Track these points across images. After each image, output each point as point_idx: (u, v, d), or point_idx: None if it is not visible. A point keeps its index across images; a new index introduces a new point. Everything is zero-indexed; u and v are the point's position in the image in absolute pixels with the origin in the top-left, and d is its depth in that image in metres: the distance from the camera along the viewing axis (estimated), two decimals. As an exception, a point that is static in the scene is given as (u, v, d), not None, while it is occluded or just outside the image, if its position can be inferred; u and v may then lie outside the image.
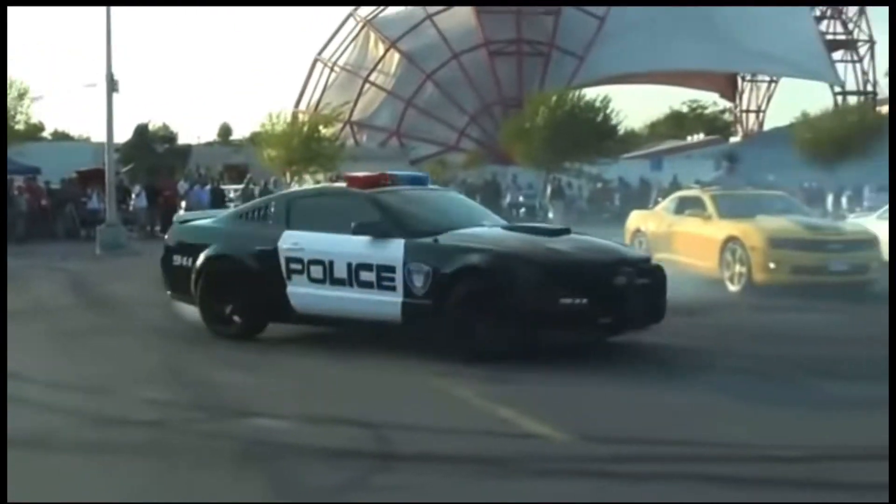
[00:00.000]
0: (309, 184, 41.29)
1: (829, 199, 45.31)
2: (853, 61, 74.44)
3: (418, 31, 63.83)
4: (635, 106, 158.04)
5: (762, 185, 27.45)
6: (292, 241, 10.63)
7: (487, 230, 10.72)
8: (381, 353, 9.89)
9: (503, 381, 8.56)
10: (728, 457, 6.54)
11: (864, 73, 74.41)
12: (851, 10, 75.72)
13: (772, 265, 15.07)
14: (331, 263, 10.32)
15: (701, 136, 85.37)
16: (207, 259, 11.11)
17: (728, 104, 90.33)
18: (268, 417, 7.54)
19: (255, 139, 49.92)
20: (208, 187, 38.31)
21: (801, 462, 6.42)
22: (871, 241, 15.71)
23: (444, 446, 6.75)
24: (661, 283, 10.48)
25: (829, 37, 72.83)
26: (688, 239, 16.79)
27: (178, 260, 11.50)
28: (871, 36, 75.01)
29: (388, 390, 8.56)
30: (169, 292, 11.91)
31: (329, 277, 10.36)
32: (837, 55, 72.71)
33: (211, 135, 72.02)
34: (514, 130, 46.89)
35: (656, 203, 24.93)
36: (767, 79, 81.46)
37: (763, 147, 55.82)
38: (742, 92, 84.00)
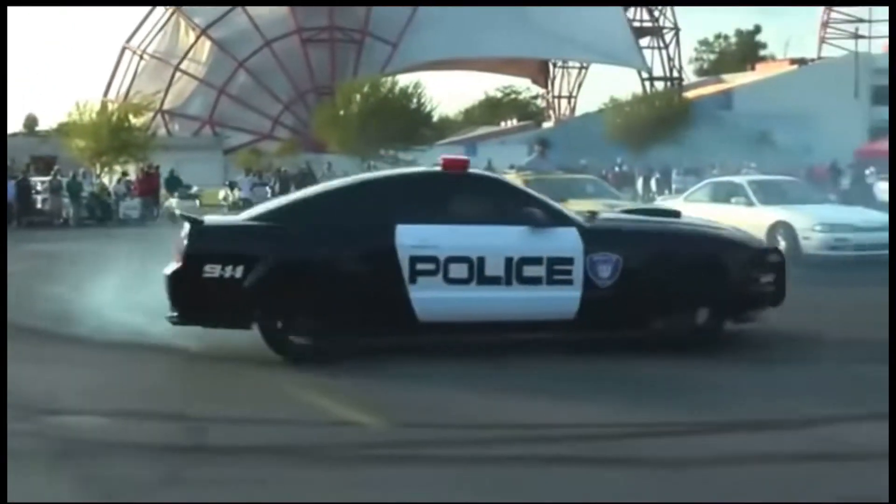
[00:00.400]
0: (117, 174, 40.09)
1: (640, 181, 46.59)
2: (659, 48, 76.82)
3: (229, 18, 62.87)
4: (450, 93, 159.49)
5: (574, 169, 28.00)
6: (416, 236, 8.96)
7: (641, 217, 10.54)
8: (201, 346, 9.41)
9: (321, 371, 8.32)
10: (540, 437, 6.53)
11: (670, 59, 76.97)
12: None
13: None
14: (480, 260, 8.87)
15: (515, 122, 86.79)
16: (280, 267, 8.86)
17: (541, 90, 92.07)
18: (78, 414, 7.24)
19: (62, 129, 48.22)
20: (12, 182, 36.47)
21: (612, 439, 6.48)
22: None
23: (260, 437, 6.60)
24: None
25: (637, 24, 74.89)
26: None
27: (214, 272, 8.73)
28: (675, 23, 77.61)
29: (208, 384, 8.28)
30: (177, 314, 8.94)
31: (477, 276, 8.93)
32: (644, 42, 74.87)
33: (16, 125, 69.18)
34: (327, 118, 46.64)
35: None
36: (578, 65, 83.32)
37: (575, 132, 57.08)
38: (554, 78, 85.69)
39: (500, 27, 63.18)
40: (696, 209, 18.61)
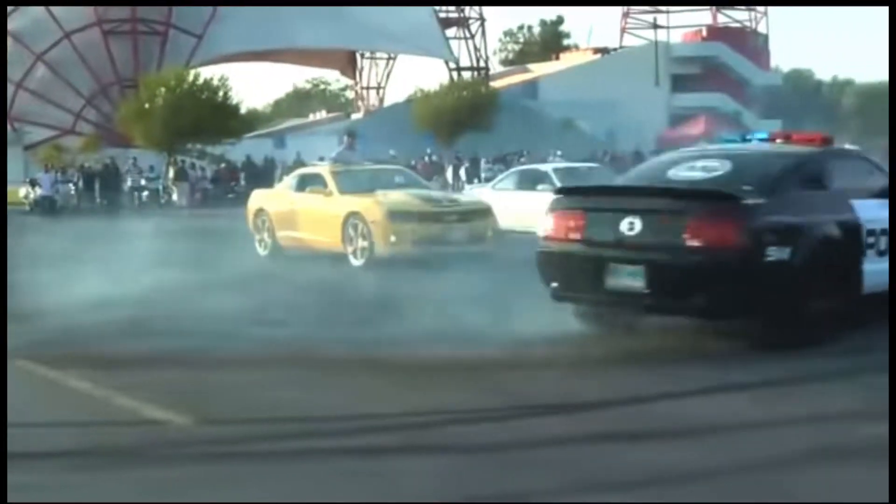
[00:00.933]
0: None
1: (449, 171, 46.97)
2: (466, 38, 77.49)
3: (24, 8, 60.35)
4: (258, 85, 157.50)
5: (383, 159, 28.00)
6: (868, 210, 9.13)
7: None
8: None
9: (119, 370, 8.10)
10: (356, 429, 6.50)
11: (477, 49, 77.71)
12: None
13: (393, 238, 15.27)
14: (884, 231, 9.15)
15: (324, 114, 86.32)
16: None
17: (349, 81, 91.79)
18: None
19: None
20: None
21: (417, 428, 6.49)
22: (485, 211, 16.25)
23: (62, 440, 6.41)
24: None
25: (443, 15, 75.39)
26: (310, 216, 16.72)
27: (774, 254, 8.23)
28: (481, 14, 78.46)
29: (21, 387, 7.85)
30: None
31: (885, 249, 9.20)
32: (451, 32, 75.42)
33: None
34: (132, 112, 45.32)
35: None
36: (386, 56, 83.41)
37: (384, 122, 57.19)
38: (362, 69, 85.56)
39: (308, 18, 62.70)
40: (504, 197, 18.98)
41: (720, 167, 9.07)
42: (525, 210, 18.69)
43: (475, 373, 8.03)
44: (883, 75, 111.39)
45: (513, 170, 22.60)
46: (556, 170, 19.97)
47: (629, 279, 8.56)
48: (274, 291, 13.35)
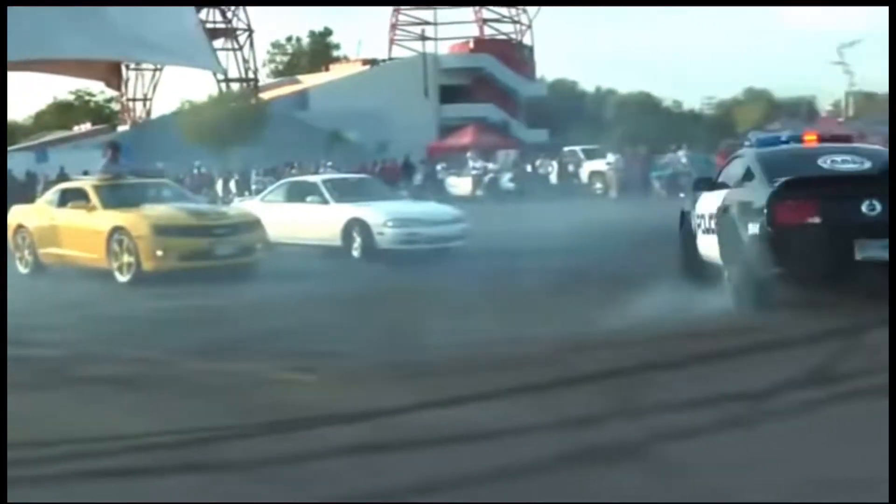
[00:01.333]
0: None
1: (219, 183, 46.37)
2: (234, 49, 76.60)
3: None
4: (18, 96, 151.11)
5: (150, 172, 27.30)
6: None
7: None
8: None
9: None
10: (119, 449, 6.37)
11: (245, 60, 76.91)
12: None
13: (159, 253, 14.99)
14: None
15: (88, 126, 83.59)
16: None
17: (114, 93, 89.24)
18: None
19: None
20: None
21: (179, 447, 6.42)
22: (254, 224, 16.15)
23: None
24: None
25: (210, 25, 74.29)
26: (73, 232, 16.22)
27: None
28: (249, 25, 77.72)
29: None
30: None
31: None
32: (218, 44, 74.40)
33: None
34: None
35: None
36: (152, 67, 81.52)
37: (152, 135, 55.86)
38: (127, 80, 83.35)
39: (67, 26, 60.62)
40: (273, 209, 18.88)
41: (863, 161, 11.00)
42: (295, 222, 18.73)
43: (242, 390, 8.04)
44: (642, 85, 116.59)
45: (281, 182, 22.44)
46: (325, 181, 19.99)
47: (879, 251, 9.98)
48: (34, 311, 12.90)
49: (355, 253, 17.75)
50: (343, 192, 19.20)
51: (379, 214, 17.87)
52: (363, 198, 19.03)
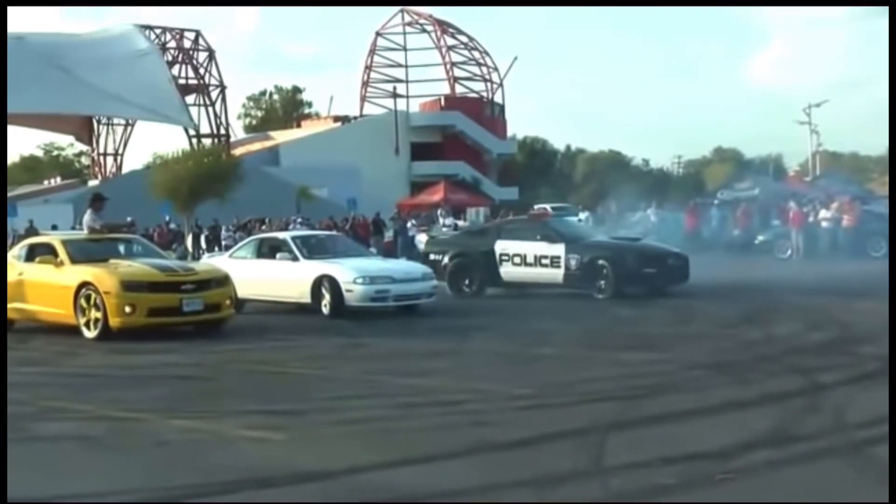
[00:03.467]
0: None
1: (189, 238, 46.23)
2: (206, 105, 76.91)
3: None
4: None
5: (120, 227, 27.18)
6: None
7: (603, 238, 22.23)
8: None
9: None
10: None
11: (217, 116, 77.18)
12: (202, 56, 78.22)
13: (127, 309, 14.93)
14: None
15: (58, 181, 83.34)
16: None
17: (85, 147, 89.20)
18: None
19: None
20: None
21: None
22: (222, 280, 16.13)
23: None
24: (686, 263, 20.93)
25: (182, 81, 74.57)
26: (41, 287, 16.13)
27: None
28: (221, 80, 78.03)
29: None
30: None
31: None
32: (190, 99, 74.66)
33: None
34: None
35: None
36: (124, 122, 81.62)
37: (122, 189, 55.69)
38: (99, 135, 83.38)
39: (36, 80, 60.65)
40: (242, 266, 18.89)
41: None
42: (265, 278, 18.73)
43: (206, 448, 8.04)
44: (609, 143, 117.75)
45: (251, 238, 22.40)
46: (294, 238, 20.01)
47: None
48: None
49: (325, 310, 17.75)
50: (312, 249, 19.24)
51: (347, 271, 17.88)
52: (332, 255, 19.10)
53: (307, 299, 18.11)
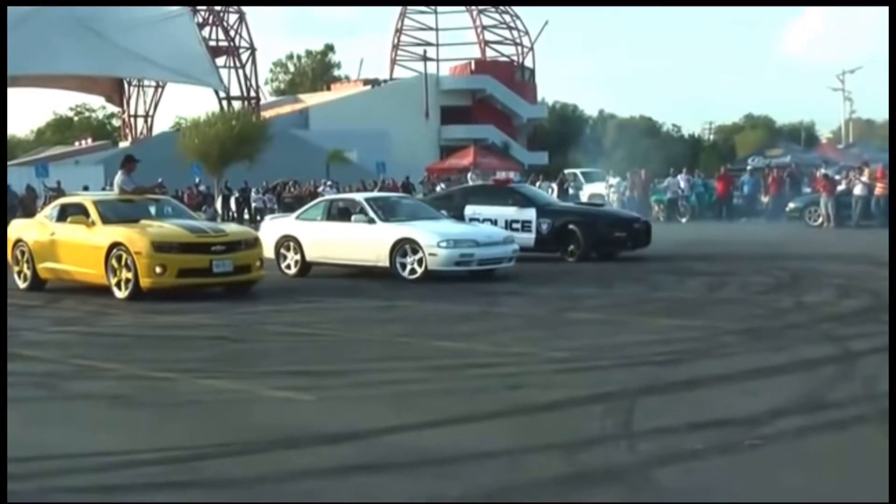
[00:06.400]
0: None
1: (219, 201, 46.44)
2: (236, 67, 76.87)
3: None
4: (18, 112, 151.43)
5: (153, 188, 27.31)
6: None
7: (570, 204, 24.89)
8: None
9: None
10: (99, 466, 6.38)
11: (247, 78, 77.18)
12: (233, 18, 78.13)
13: (158, 269, 15.00)
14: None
15: (89, 142, 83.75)
16: None
17: (116, 109, 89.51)
18: None
19: None
20: None
21: (168, 464, 6.44)
22: (252, 241, 16.17)
23: None
24: (649, 228, 21.83)
25: (212, 43, 74.56)
26: (72, 247, 16.23)
27: None
28: (251, 43, 77.97)
29: None
30: None
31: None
32: (221, 61, 74.67)
33: None
34: None
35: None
36: (154, 84, 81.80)
37: (153, 151, 55.84)
38: (129, 97, 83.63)
39: (67, 42, 60.81)
40: (311, 228, 18.64)
41: None
42: (337, 241, 18.35)
43: (236, 408, 8.10)
44: (640, 110, 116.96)
45: (319, 200, 21.55)
46: (369, 199, 19.26)
47: None
48: (29, 325, 12.94)
49: (404, 273, 17.33)
50: (388, 211, 18.68)
51: (430, 235, 17.46)
52: (408, 217, 18.65)
53: (385, 263, 17.65)
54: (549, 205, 22.24)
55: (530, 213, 20.88)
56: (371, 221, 18.15)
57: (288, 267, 18.87)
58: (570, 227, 20.52)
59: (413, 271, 17.30)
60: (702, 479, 5.88)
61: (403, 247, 17.46)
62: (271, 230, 19.59)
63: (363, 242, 18.01)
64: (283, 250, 19.00)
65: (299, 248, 18.78)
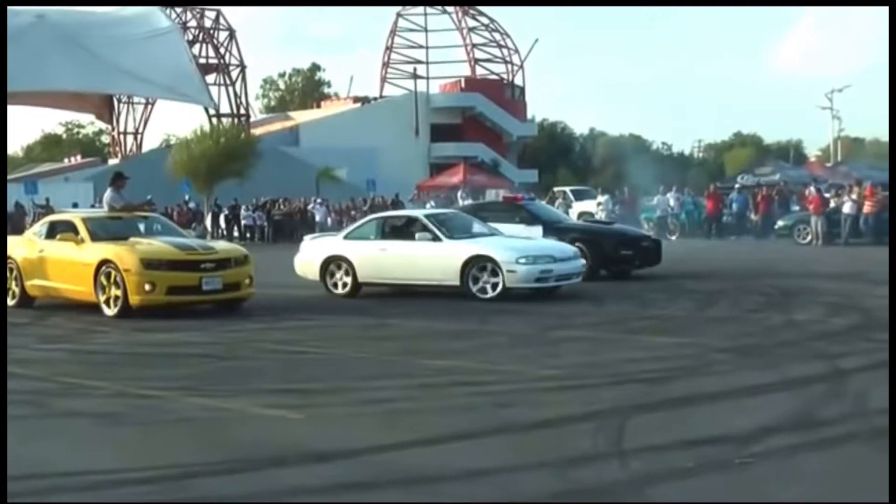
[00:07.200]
0: None
1: (209, 218, 46.34)
2: (226, 84, 76.80)
3: None
4: (8, 128, 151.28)
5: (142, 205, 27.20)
6: None
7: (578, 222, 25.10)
8: None
9: None
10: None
11: (237, 96, 77.11)
12: (222, 36, 78.14)
13: (147, 287, 14.97)
14: None
15: (79, 159, 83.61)
16: None
17: (105, 126, 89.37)
18: None
19: None
20: None
21: (158, 482, 6.39)
22: (242, 259, 16.13)
23: None
24: (659, 246, 22.03)
25: (202, 60, 74.53)
26: (61, 264, 16.20)
27: None
28: (241, 60, 77.95)
29: None
30: None
31: None
32: (211, 79, 74.62)
33: None
34: None
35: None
36: (143, 101, 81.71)
37: (142, 168, 55.84)
38: (119, 114, 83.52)
39: (58, 58, 60.73)
40: (366, 247, 18.04)
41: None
42: (396, 260, 17.76)
43: (226, 426, 8.06)
44: (630, 128, 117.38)
45: (369, 218, 20.75)
46: (428, 216, 18.76)
47: None
48: (18, 342, 12.87)
49: (479, 293, 16.86)
50: (450, 227, 18.20)
51: (507, 251, 17.08)
52: (468, 233, 18.21)
53: (454, 282, 17.16)
54: (557, 222, 21.97)
55: (537, 231, 20.36)
56: (436, 239, 17.58)
57: (335, 286, 18.26)
58: (577, 244, 19.16)
59: (484, 290, 16.86)
60: (693, 496, 5.86)
61: (476, 265, 16.99)
62: (315, 250, 18.96)
63: (428, 261, 17.44)
64: (330, 270, 18.37)
65: (350, 268, 18.10)
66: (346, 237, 18.94)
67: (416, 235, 17.69)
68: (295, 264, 19.30)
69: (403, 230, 18.43)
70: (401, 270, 17.80)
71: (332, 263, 18.40)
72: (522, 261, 16.80)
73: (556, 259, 17.23)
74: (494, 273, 16.85)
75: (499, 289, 16.74)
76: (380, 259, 17.95)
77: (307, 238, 20.25)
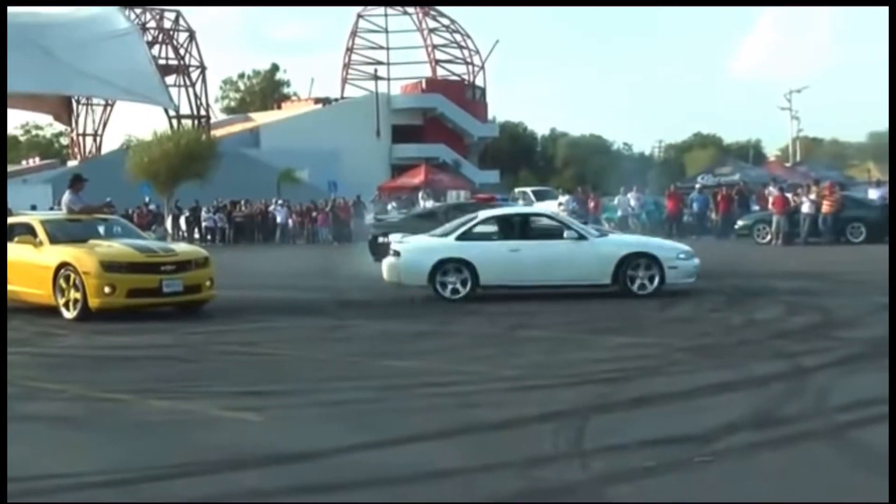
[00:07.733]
0: None
1: (169, 220, 46.07)
2: (186, 86, 76.41)
3: None
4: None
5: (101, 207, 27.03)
6: None
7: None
8: None
9: None
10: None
11: (197, 97, 76.72)
12: (182, 37, 77.74)
13: (107, 289, 14.85)
14: None
15: (37, 161, 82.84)
16: None
17: (64, 127, 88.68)
18: None
19: None
20: None
21: (116, 486, 6.36)
22: (202, 261, 16.03)
23: None
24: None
25: (162, 62, 74.09)
26: (20, 267, 16.02)
27: None
28: (202, 61, 77.58)
29: None
30: None
31: None
32: (170, 80, 74.19)
33: None
34: None
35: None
36: (103, 102, 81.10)
37: (101, 170, 55.43)
38: (78, 115, 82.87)
39: (19, 61, 60.14)
40: (489, 248, 17.10)
41: None
42: (535, 261, 17.08)
43: (185, 429, 8.01)
44: (591, 128, 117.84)
45: (483, 215, 18.52)
46: (555, 213, 19.56)
47: None
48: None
49: (639, 290, 16.65)
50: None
51: (667, 249, 17.42)
52: (600, 232, 18.73)
53: (605, 280, 16.87)
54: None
55: None
56: (581, 238, 17.13)
57: (446, 289, 16.93)
58: None
59: (644, 287, 16.69)
60: (654, 495, 5.89)
61: (632, 263, 16.77)
62: (423, 253, 17.36)
63: (574, 261, 16.93)
64: (443, 273, 17.05)
65: (471, 270, 16.95)
66: (458, 238, 17.42)
67: (565, 234, 17.09)
68: (384, 269, 17.62)
69: (535, 229, 17.80)
70: (537, 272, 17.08)
71: (444, 266, 17.10)
72: (682, 256, 17.00)
73: (693, 256, 17.29)
74: (648, 268, 16.77)
75: (655, 285, 16.67)
76: (511, 261, 17.06)
77: (395, 238, 18.32)
